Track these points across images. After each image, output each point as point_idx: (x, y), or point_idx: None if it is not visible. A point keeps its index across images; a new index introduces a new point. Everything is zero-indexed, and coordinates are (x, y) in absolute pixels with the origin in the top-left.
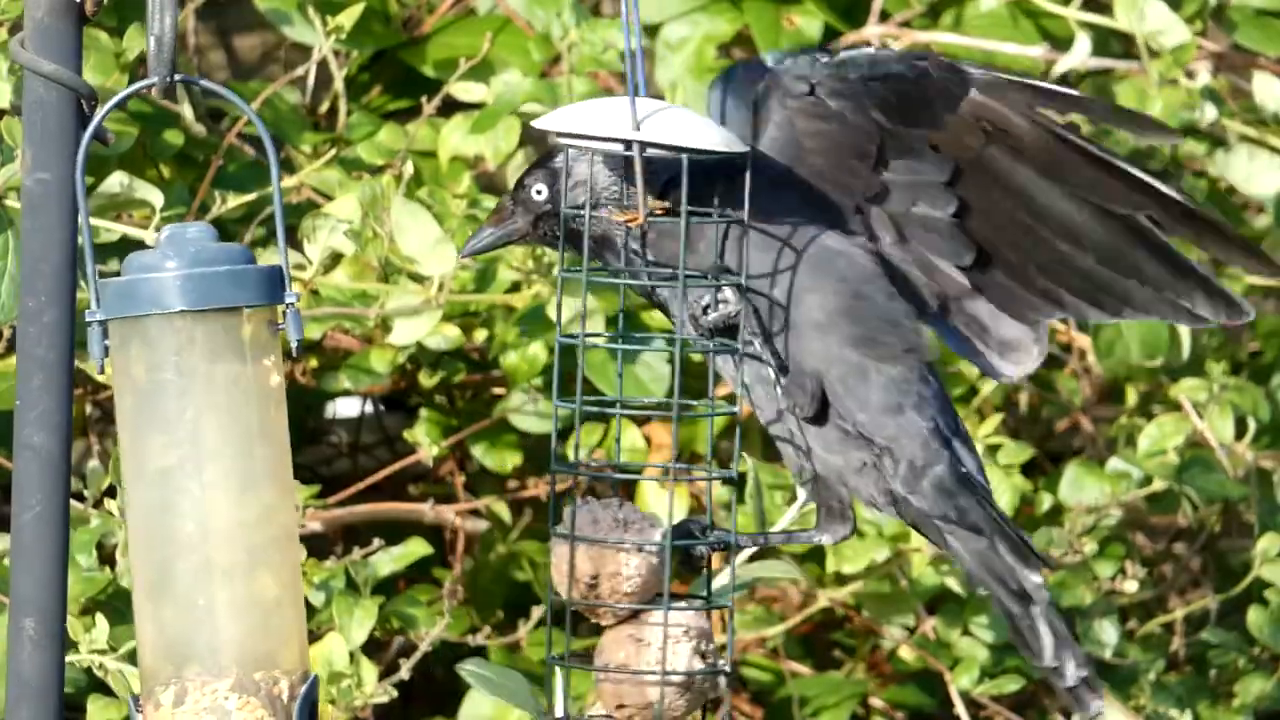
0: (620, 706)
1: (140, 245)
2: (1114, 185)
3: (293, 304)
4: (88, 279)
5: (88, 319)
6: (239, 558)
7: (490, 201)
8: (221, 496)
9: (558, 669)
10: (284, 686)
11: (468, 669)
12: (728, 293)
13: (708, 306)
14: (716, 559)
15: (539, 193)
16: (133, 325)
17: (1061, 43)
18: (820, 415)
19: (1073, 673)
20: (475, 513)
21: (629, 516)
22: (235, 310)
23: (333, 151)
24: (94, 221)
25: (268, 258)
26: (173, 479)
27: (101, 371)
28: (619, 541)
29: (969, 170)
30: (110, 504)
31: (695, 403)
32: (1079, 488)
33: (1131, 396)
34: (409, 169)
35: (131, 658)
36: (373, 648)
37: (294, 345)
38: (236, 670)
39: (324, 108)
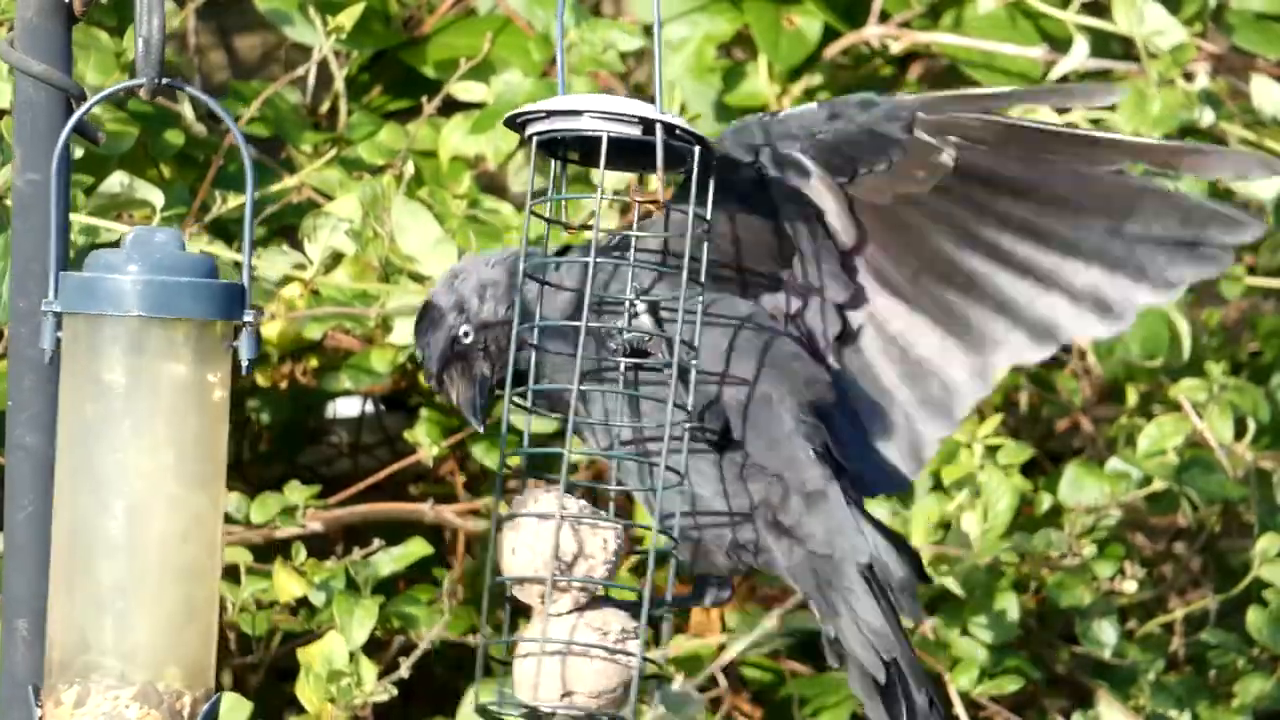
0: (568, 694)
1: None
2: (1082, 148)
3: (250, 323)
4: (48, 271)
5: (43, 308)
6: (160, 567)
7: (491, 202)
8: (152, 504)
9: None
10: (187, 702)
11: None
12: (643, 317)
13: (621, 329)
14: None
15: (466, 335)
16: (86, 322)
17: (1061, 43)
18: (720, 446)
19: None
20: (475, 513)
21: (586, 506)
22: (190, 321)
23: (333, 151)
24: (94, 221)
25: (267, 257)
26: (106, 480)
27: (48, 362)
28: (599, 524)
29: (942, 191)
30: None
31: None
32: (1079, 488)
33: (1131, 396)
34: (409, 169)
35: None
36: (373, 647)
37: (245, 365)
38: (141, 679)
39: (324, 108)
